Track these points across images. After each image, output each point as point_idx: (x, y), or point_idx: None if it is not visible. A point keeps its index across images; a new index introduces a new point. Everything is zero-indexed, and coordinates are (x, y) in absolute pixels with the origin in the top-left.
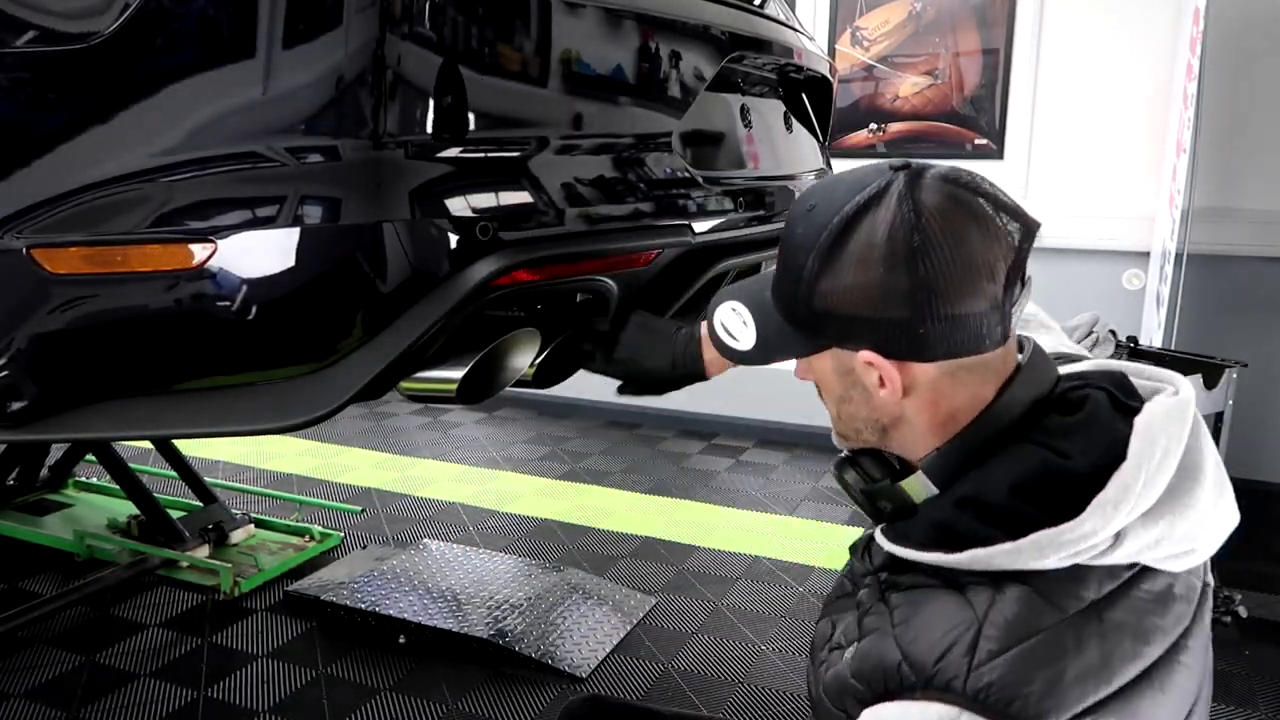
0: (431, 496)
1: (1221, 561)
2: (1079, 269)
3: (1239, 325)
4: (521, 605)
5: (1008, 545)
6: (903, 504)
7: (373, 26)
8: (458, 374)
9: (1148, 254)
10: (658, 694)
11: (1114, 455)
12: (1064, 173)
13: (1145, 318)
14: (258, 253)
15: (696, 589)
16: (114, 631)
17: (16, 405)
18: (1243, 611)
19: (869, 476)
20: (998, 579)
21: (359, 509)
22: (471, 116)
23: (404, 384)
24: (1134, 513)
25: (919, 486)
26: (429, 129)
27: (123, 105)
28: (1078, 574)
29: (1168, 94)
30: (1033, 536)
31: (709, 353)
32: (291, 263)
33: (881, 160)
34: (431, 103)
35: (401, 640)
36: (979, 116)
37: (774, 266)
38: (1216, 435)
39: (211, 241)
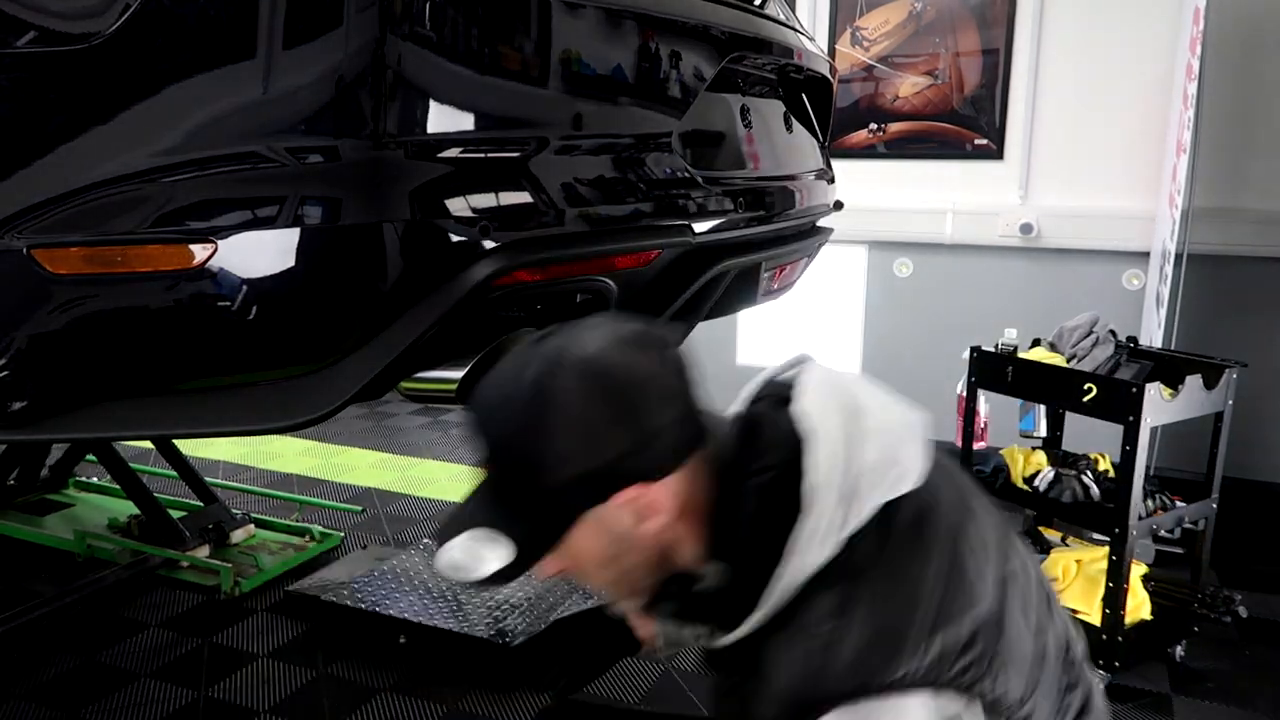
0: (431, 496)
1: (1222, 561)
2: (1079, 269)
3: (1239, 325)
4: (521, 605)
5: (780, 569)
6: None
7: (373, 26)
8: (457, 374)
9: (1148, 254)
10: (658, 694)
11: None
12: (1064, 172)
13: (1145, 318)
14: (258, 253)
15: None
16: (114, 631)
17: (17, 405)
18: (1243, 611)
19: (688, 595)
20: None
21: (359, 509)
22: (472, 117)
23: (404, 384)
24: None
25: (719, 575)
26: (429, 129)
27: (123, 105)
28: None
29: (1168, 94)
30: (793, 545)
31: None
32: (291, 263)
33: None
34: (431, 103)
35: (401, 640)
36: (979, 116)
37: None
38: (1216, 435)
39: (212, 241)
